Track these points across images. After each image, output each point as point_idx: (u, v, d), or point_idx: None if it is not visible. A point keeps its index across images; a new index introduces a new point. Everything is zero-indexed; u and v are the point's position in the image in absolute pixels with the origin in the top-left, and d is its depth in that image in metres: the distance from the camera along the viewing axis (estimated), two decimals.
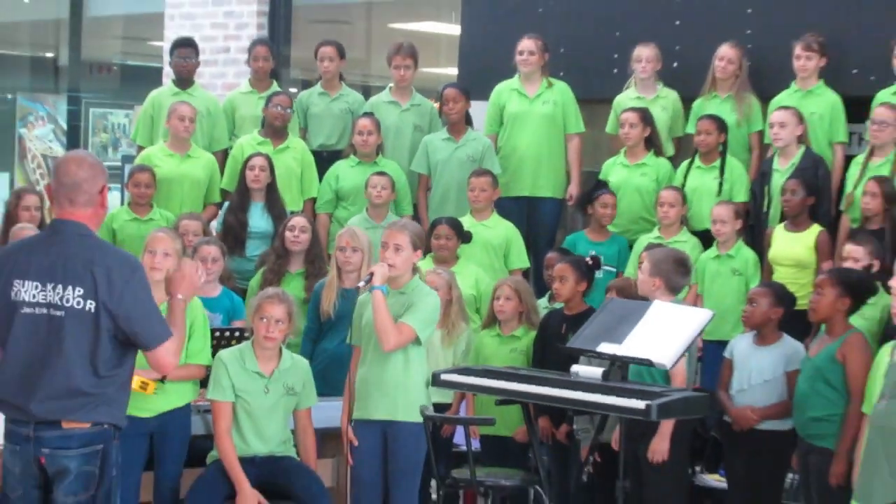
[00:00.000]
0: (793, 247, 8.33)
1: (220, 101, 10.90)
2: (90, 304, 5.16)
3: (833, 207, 8.67)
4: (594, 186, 9.20)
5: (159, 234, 7.29)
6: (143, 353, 5.33)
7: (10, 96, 14.65)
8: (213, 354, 7.35)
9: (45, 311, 5.21)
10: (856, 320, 7.36)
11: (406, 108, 10.28)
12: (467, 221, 9.07)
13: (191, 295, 5.91)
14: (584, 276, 8.17)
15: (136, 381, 6.62)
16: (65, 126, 14.18)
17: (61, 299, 5.19)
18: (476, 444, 8.14)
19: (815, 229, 8.34)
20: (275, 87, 10.60)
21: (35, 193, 9.48)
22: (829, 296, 7.10)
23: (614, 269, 8.71)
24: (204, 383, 7.36)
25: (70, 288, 5.18)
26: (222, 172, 10.17)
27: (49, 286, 5.21)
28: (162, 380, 6.87)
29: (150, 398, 6.92)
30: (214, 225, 9.67)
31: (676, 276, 7.47)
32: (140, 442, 7.01)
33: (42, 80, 15.04)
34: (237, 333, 7.77)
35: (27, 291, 5.24)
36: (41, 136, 14.48)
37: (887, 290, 6.24)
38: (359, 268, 8.02)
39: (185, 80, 10.75)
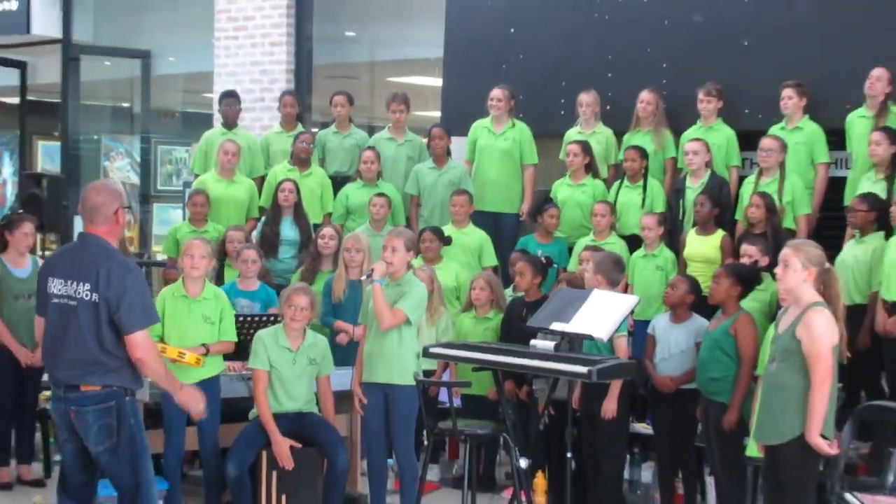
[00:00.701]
0: (703, 247, 8.33)
1: (258, 139, 10.82)
2: (94, 296, 5.31)
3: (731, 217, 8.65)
4: (543, 201, 9.20)
5: (195, 241, 7.32)
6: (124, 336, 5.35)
7: (96, 137, 14.58)
8: (251, 335, 7.38)
9: (65, 301, 5.38)
10: (751, 303, 7.41)
11: (401, 143, 10.22)
12: (449, 230, 9.04)
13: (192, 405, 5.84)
14: (540, 272, 8.18)
15: (175, 352, 6.72)
16: (138, 159, 14.14)
17: (75, 292, 5.35)
18: (457, 402, 8.12)
19: (720, 234, 8.33)
20: (300, 127, 10.54)
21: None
22: (724, 284, 7.22)
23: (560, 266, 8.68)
24: (228, 357, 7.47)
25: (81, 283, 5.35)
26: (260, 194, 10.08)
27: (68, 282, 5.38)
28: (205, 353, 7.00)
29: (192, 369, 6.94)
30: (254, 234, 9.58)
31: (614, 273, 7.53)
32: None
33: (121, 124, 14.98)
34: (271, 318, 7.74)
35: (55, 286, 5.43)
36: (120, 168, 14.44)
37: (774, 278, 6.19)
38: (360, 264, 8.06)
39: (230, 123, 10.70)
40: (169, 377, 5.67)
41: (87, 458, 5.47)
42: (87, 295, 5.30)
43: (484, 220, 9.56)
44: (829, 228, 8.33)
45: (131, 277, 5.40)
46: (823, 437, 5.60)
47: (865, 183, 8.05)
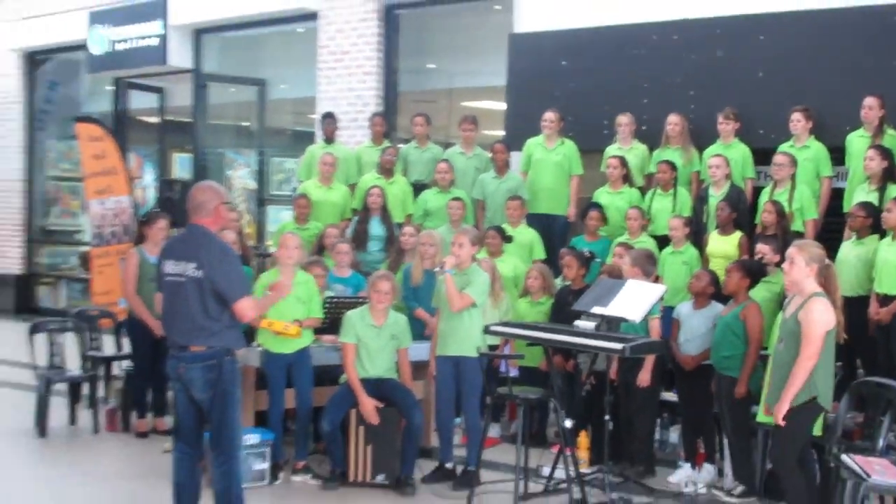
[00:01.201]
0: (723, 246, 8.21)
1: (352, 152, 10.85)
2: (199, 273, 5.36)
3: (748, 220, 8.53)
4: (588, 206, 9.13)
5: (288, 235, 7.33)
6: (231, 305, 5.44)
7: (221, 150, 14.72)
8: (342, 314, 7.41)
9: (176, 278, 5.44)
10: (763, 293, 7.37)
11: (470, 156, 10.20)
12: (508, 229, 9.01)
13: (277, 297, 6.20)
14: (584, 265, 8.16)
15: (280, 325, 6.81)
16: (256, 169, 14.23)
17: (184, 271, 5.41)
18: (514, 372, 8.24)
19: (738, 234, 8.22)
20: (386, 143, 10.55)
21: (235, 210, 9.46)
22: (735, 277, 7.21)
23: (601, 260, 8.60)
24: (323, 331, 7.57)
25: (188, 263, 5.41)
26: (353, 198, 10.13)
27: (179, 263, 5.45)
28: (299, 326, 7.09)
29: (289, 340, 7.07)
30: (347, 231, 9.61)
31: (648, 265, 7.57)
32: (282, 369, 7.21)
33: (241, 140, 15.07)
34: (359, 300, 7.77)
35: (168, 267, 5.51)
36: (241, 176, 14.53)
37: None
38: (433, 256, 8.02)
39: (329, 139, 10.78)
40: (266, 304, 6.17)
41: (196, 407, 5.53)
42: (193, 272, 5.36)
43: (538, 221, 9.53)
44: (830, 231, 8.19)
45: (227, 258, 5.48)
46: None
47: (860, 193, 7.94)
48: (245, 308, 5.41)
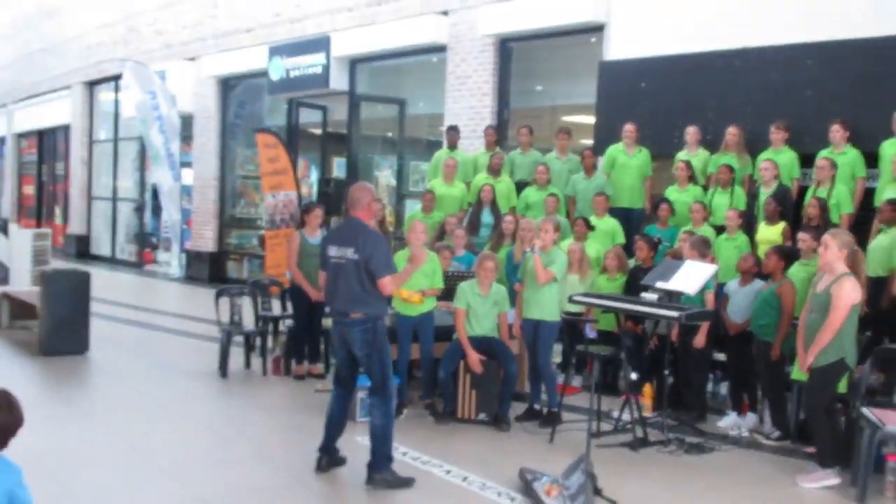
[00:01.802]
0: (769, 234, 8.02)
1: (470, 157, 10.90)
2: (357, 256, 5.38)
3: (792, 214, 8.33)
4: (660, 201, 9.00)
5: (416, 222, 7.25)
6: (377, 280, 5.43)
7: (370, 155, 14.95)
8: (456, 286, 7.45)
9: (338, 259, 5.47)
10: (800, 273, 7.18)
11: (564, 161, 10.15)
12: (594, 220, 8.98)
13: (413, 269, 6.06)
14: (652, 248, 8.08)
15: (406, 294, 6.86)
16: (396, 170, 14.42)
17: (345, 254, 5.44)
18: (593, 334, 8.22)
19: (782, 224, 8.03)
20: (497, 150, 10.56)
21: (378, 201, 9.56)
22: (773, 259, 7.08)
23: (669, 244, 8.46)
24: (441, 298, 7.55)
25: (348, 248, 5.44)
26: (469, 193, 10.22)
27: (340, 247, 5.48)
28: (423, 295, 7.11)
29: (416, 306, 7.11)
30: (464, 220, 9.66)
31: (704, 249, 7.45)
32: (409, 329, 7.24)
33: (386, 148, 15.29)
34: (471, 273, 7.78)
35: (332, 251, 5.53)
36: (386, 176, 14.74)
37: None
38: (531, 240, 7.82)
39: (452, 146, 10.85)
40: (403, 277, 5.85)
41: (352, 361, 5.62)
42: (352, 255, 5.42)
43: (620, 213, 9.44)
44: (861, 224, 7.92)
45: (379, 244, 5.49)
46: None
47: (889, 191, 7.64)
48: (387, 283, 5.44)
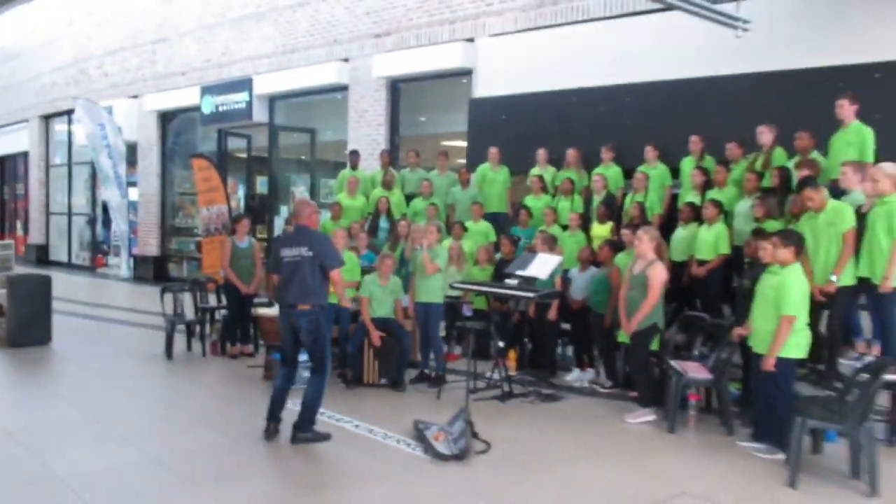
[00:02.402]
0: (600, 231, 8.04)
1: (368, 175, 10.72)
2: (309, 253, 5.24)
3: (617, 215, 8.39)
4: (520, 207, 8.86)
5: (338, 230, 7.11)
6: (328, 272, 5.31)
7: (287, 175, 14.59)
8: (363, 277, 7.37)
9: (295, 258, 5.31)
10: (625, 259, 7.07)
11: (444, 177, 9.97)
12: (469, 224, 8.92)
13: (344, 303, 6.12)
14: (514, 244, 8.09)
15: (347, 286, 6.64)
16: (309, 186, 14.17)
17: (300, 252, 5.28)
18: (469, 312, 8.19)
19: (610, 224, 8.09)
20: (390, 169, 10.43)
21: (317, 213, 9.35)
22: (605, 250, 7.27)
23: (528, 241, 8.37)
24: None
25: (302, 247, 5.29)
26: (368, 204, 10.08)
27: (294, 248, 5.32)
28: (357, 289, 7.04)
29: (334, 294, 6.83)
30: (365, 226, 9.53)
31: (552, 244, 7.46)
32: (332, 314, 6.97)
33: (300, 168, 14.87)
34: (372, 268, 7.64)
35: (286, 252, 5.35)
36: (300, 191, 14.38)
37: None
38: (419, 240, 7.53)
39: (354, 167, 10.58)
40: (343, 292, 5.88)
41: (296, 343, 5.43)
42: (305, 253, 5.28)
43: (490, 217, 9.24)
44: (668, 221, 8.04)
45: (327, 241, 5.43)
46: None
47: (688, 196, 7.80)
48: (336, 277, 5.36)
